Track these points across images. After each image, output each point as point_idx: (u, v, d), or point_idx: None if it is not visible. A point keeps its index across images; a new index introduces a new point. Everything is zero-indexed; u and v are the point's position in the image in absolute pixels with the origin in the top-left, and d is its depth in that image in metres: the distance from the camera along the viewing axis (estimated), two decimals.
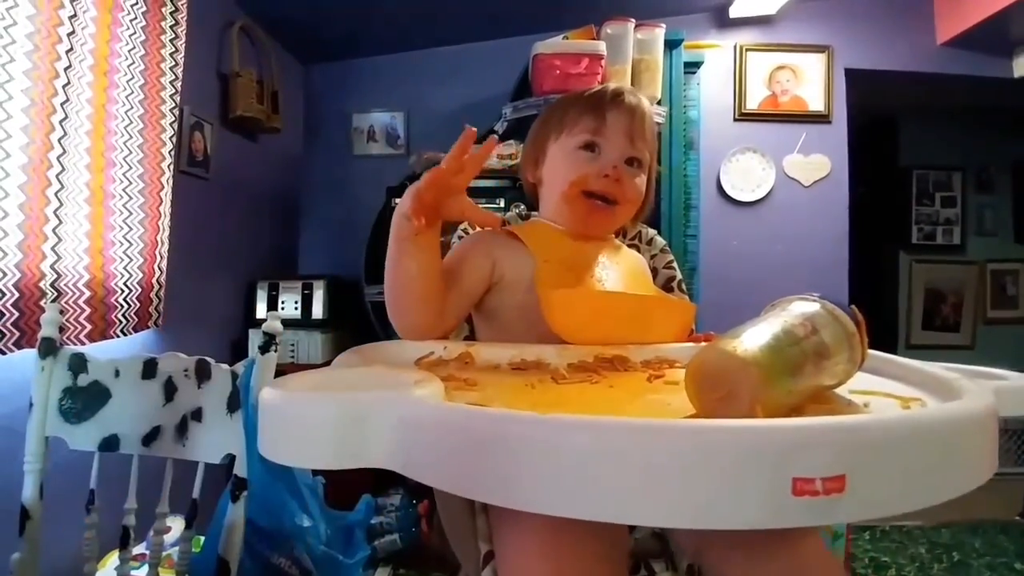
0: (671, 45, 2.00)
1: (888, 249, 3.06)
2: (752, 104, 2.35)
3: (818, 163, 2.33)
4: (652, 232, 0.87)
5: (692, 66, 2.21)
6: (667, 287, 0.82)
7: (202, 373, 0.96)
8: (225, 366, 0.94)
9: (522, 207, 0.81)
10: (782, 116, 2.34)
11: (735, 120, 2.36)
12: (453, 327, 0.65)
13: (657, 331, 0.61)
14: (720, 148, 2.33)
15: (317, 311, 1.95)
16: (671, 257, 0.85)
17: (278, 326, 1.01)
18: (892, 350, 0.80)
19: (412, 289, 0.61)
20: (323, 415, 0.33)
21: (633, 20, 1.85)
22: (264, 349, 0.97)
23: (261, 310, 1.93)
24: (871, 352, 0.60)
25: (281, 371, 0.58)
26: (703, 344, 0.42)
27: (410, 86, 2.35)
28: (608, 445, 0.28)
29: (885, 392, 0.48)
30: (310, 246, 2.45)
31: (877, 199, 3.04)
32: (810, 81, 2.31)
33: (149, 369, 0.97)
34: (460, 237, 0.83)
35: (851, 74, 2.30)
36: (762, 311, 0.50)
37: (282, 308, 1.93)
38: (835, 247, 2.31)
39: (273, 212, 2.25)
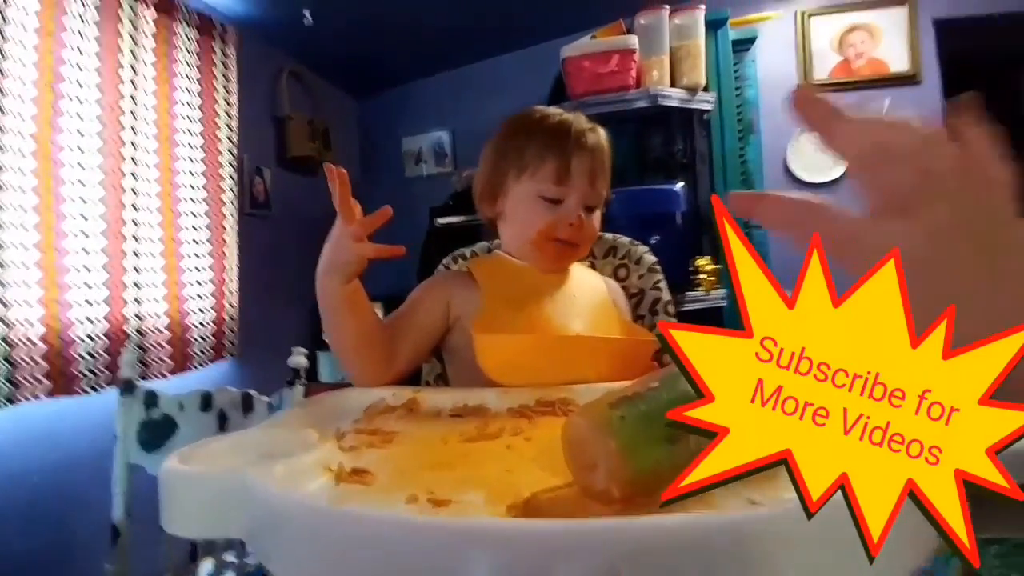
0: (714, 25, 1.86)
1: None
2: (821, 74, 2.12)
3: None
4: (642, 250, 0.82)
5: (744, 43, 2.03)
6: (652, 309, 0.78)
7: (247, 405, 1.09)
8: (265, 398, 1.05)
9: (495, 241, 0.79)
10: (858, 83, 2.09)
11: None
12: (403, 371, 0.66)
13: (601, 369, 0.58)
14: (786, 128, 2.13)
15: None
16: (659, 277, 0.80)
17: (302, 361, 1.12)
18: None
19: (348, 345, 0.63)
20: (192, 493, 0.37)
21: (667, 7, 1.74)
22: (291, 383, 1.08)
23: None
24: None
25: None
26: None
27: (453, 105, 2.41)
28: (357, 537, 0.28)
29: None
30: (374, 270, 2.58)
31: None
32: (889, 39, 2.04)
33: (206, 402, 1.10)
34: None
35: (942, 25, 1.99)
36: None
37: None
38: None
39: None
